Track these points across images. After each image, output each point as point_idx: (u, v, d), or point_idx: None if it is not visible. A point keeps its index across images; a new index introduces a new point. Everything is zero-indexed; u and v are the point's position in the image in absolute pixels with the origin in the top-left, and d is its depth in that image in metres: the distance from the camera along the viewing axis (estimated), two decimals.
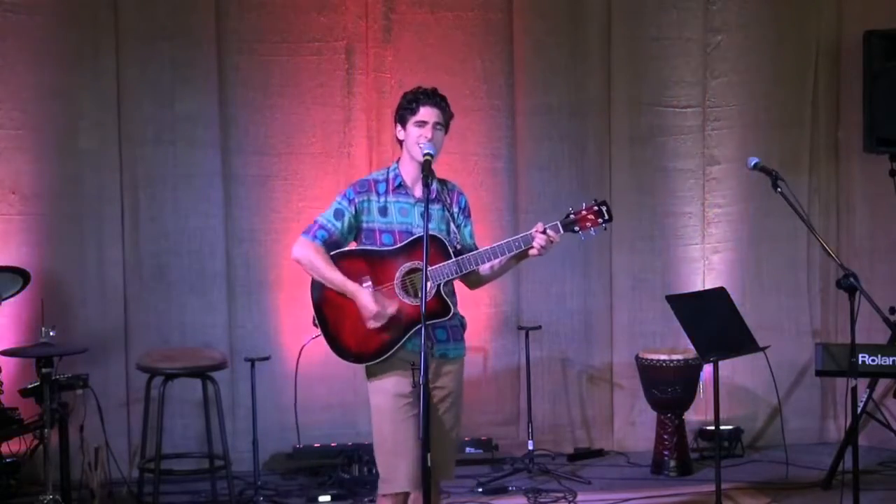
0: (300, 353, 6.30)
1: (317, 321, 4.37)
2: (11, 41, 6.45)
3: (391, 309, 4.27)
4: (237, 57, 6.76)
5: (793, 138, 7.27)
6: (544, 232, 4.27)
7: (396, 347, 4.29)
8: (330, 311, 4.34)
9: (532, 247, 4.28)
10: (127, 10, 6.62)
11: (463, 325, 4.49)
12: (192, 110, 6.70)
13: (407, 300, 4.29)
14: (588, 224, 4.35)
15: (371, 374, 4.38)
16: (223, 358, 6.18)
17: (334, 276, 4.30)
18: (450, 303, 4.30)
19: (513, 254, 4.31)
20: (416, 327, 4.21)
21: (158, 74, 6.67)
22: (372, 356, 4.32)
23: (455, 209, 4.45)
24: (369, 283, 4.30)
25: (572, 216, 4.36)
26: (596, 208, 4.36)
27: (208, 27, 6.70)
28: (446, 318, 4.30)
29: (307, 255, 4.35)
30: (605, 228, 4.40)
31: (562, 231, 4.32)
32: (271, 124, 6.82)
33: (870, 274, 6.73)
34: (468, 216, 4.50)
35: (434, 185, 4.29)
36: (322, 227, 4.38)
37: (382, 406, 4.35)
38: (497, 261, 4.35)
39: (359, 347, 4.32)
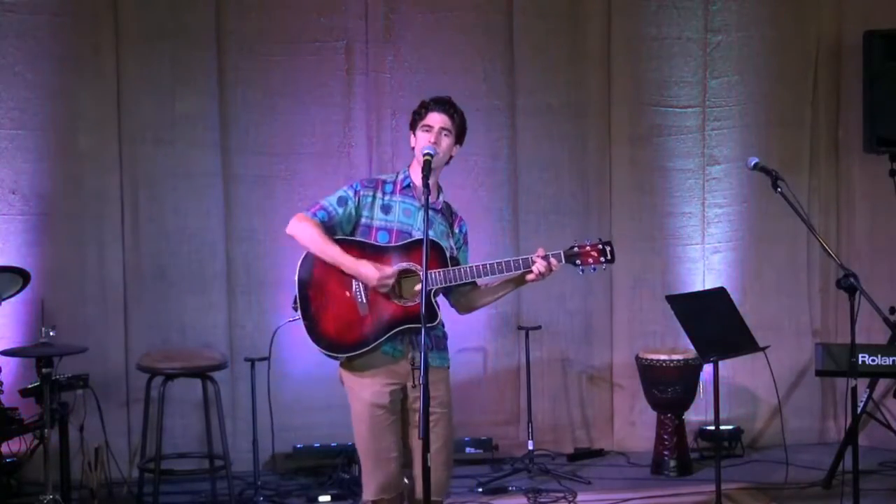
0: (273, 336, 6.06)
1: (297, 304, 4.36)
2: (11, 41, 6.44)
3: (391, 269, 4.26)
4: (237, 57, 6.75)
5: (793, 138, 7.26)
6: (545, 258, 4.30)
7: (375, 344, 4.29)
8: (315, 293, 4.36)
9: (530, 271, 4.32)
10: (127, 10, 6.62)
11: (445, 336, 4.49)
12: (192, 110, 6.69)
13: (394, 300, 4.30)
14: (590, 260, 4.41)
15: (348, 367, 4.38)
16: (223, 358, 6.18)
17: (332, 250, 4.30)
18: (437, 310, 4.30)
19: (510, 274, 4.35)
20: (397, 329, 4.27)
21: (158, 74, 6.66)
22: (348, 348, 4.32)
23: (456, 230, 4.49)
24: None
25: (576, 249, 4.41)
26: (600, 247, 4.43)
27: (208, 27, 6.70)
28: (432, 323, 4.26)
29: (306, 228, 4.33)
30: (605, 269, 4.47)
31: (563, 261, 4.37)
32: (271, 124, 6.81)
33: (870, 274, 6.72)
34: (466, 243, 4.54)
35: (440, 198, 4.42)
36: (324, 208, 4.39)
37: (360, 414, 4.38)
38: (492, 279, 4.38)
39: (337, 335, 4.32)
